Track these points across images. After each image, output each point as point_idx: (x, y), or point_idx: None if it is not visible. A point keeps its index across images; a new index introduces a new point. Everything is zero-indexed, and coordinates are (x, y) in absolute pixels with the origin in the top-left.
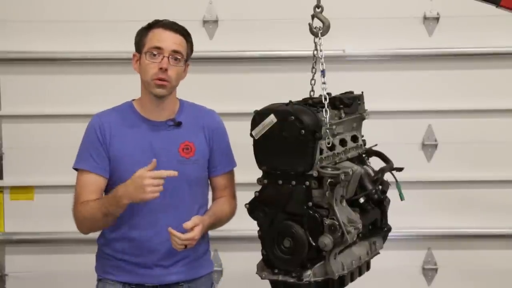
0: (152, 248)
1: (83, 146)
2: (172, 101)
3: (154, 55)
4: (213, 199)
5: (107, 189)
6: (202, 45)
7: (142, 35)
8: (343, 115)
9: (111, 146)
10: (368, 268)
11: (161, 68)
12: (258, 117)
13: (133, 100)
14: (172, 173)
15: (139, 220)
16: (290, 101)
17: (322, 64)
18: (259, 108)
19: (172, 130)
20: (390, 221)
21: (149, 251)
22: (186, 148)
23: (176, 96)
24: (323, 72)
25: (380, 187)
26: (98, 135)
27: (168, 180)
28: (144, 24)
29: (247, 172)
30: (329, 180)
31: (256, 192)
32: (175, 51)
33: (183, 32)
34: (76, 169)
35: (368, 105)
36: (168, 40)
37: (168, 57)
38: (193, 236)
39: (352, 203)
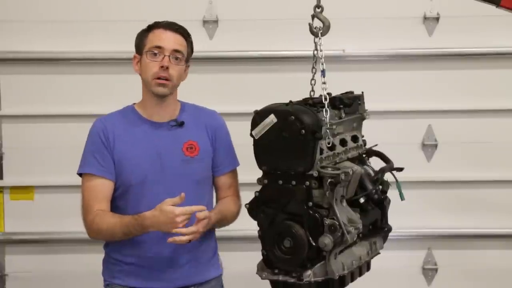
0: (161, 250)
1: (87, 151)
2: (173, 101)
3: (155, 54)
4: (217, 199)
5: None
6: (202, 45)
7: (142, 36)
8: (343, 115)
9: (115, 148)
10: (368, 268)
11: (162, 67)
12: (258, 117)
13: (134, 104)
14: (201, 207)
15: None
16: (290, 101)
17: (322, 64)
18: (259, 108)
19: (175, 130)
20: (390, 221)
21: (157, 253)
22: (190, 147)
23: (177, 98)
24: (323, 72)
25: (380, 187)
26: (102, 138)
27: (174, 180)
28: (144, 24)
29: (247, 172)
30: (329, 180)
31: (256, 192)
32: (176, 50)
33: (183, 32)
34: (80, 175)
35: (368, 105)
36: (169, 40)
37: (169, 56)
38: (197, 229)
39: (352, 203)
